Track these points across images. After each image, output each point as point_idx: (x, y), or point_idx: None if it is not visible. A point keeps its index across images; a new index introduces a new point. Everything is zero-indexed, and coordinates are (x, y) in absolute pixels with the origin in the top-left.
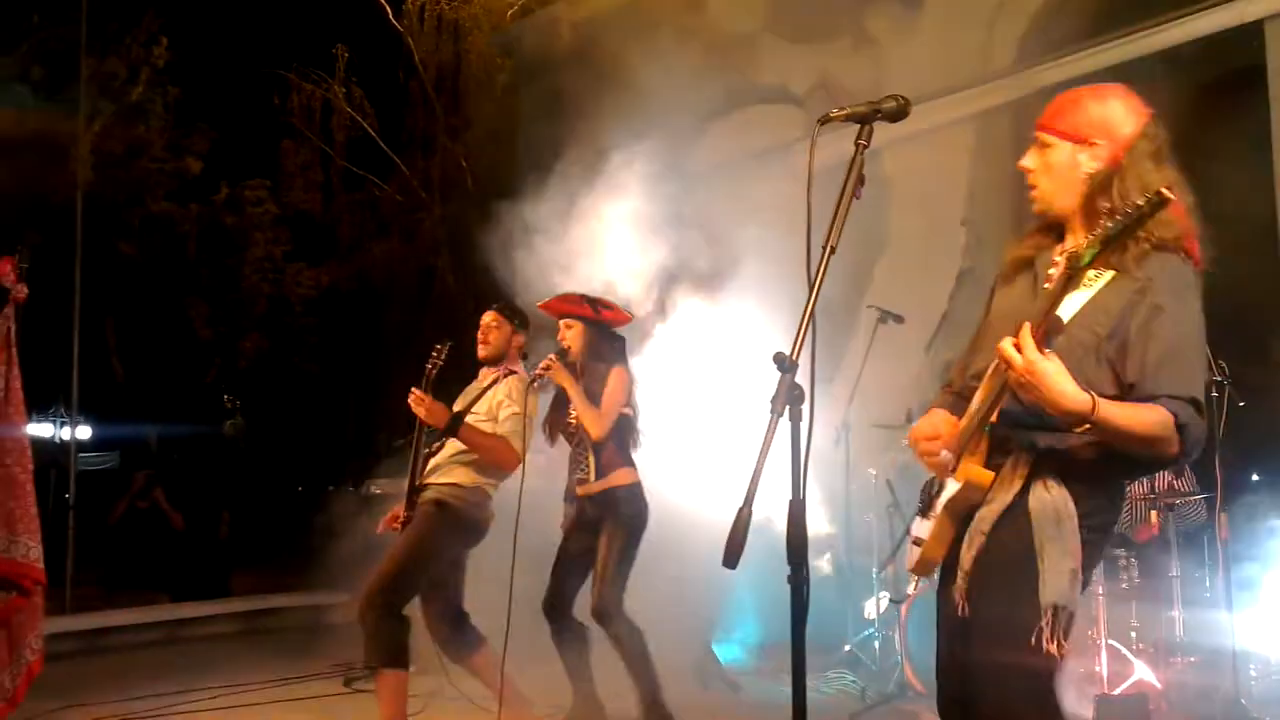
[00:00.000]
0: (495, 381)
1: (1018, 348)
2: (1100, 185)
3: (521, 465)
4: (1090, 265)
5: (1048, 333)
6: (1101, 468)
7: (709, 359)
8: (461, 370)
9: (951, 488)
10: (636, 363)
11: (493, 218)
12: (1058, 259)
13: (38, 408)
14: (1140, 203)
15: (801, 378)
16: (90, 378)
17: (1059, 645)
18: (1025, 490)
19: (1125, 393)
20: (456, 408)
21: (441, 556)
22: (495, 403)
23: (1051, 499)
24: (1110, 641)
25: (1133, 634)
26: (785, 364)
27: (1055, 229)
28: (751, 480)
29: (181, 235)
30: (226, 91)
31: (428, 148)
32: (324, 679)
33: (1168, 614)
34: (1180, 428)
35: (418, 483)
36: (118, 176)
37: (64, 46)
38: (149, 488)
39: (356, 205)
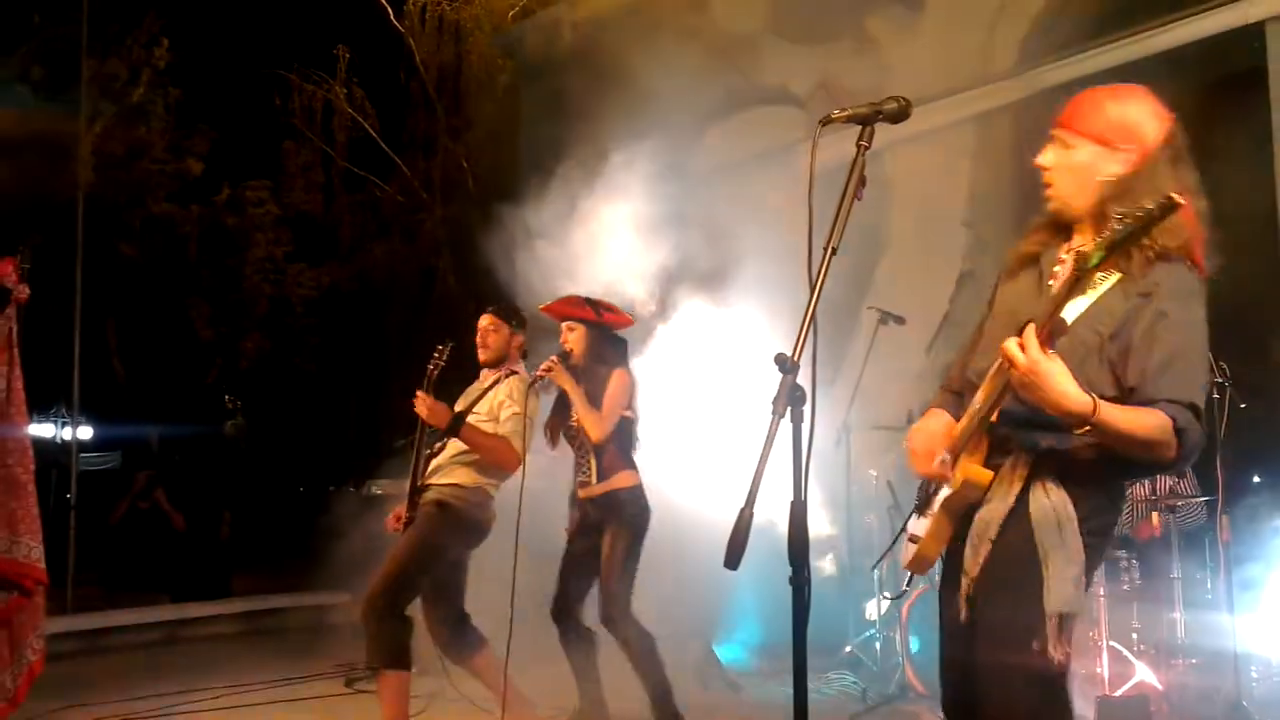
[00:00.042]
0: (496, 382)
1: (1021, 347)
2: (1121, 190)
3: (522, 466)
4: (1097, 268)
5: (1052, 333)
6: (1101, 469)
7: (710, 360)
8: (464, 370)
9: (949, 489)
10: (638, 364)
11: (494, 219)
12: (1064, 257)
13: (39, 408)
14: (1150, 206)
15: (803, 379)
16: (91, 378)
17: (1065, 650)
18: (1025, 492)
19: (1125, 395)
20: (458, 408)
21: (443, 557)
22: (496, 403)
23: (1051, 504)
24: (1112, 643)
25: (1134, 635)
26: (787, 365)
27: (1062, 226)
28: (753, 481)
29: (183, 236)
30: (227, 92)
31: (429, 148)
32: (325, 679)
33: (1169, 616)
34: (1179, 432)
35: (419, 483)
36: (119, 177)
37: (65, 47)
38: (150, 488)
39: (358, 206)
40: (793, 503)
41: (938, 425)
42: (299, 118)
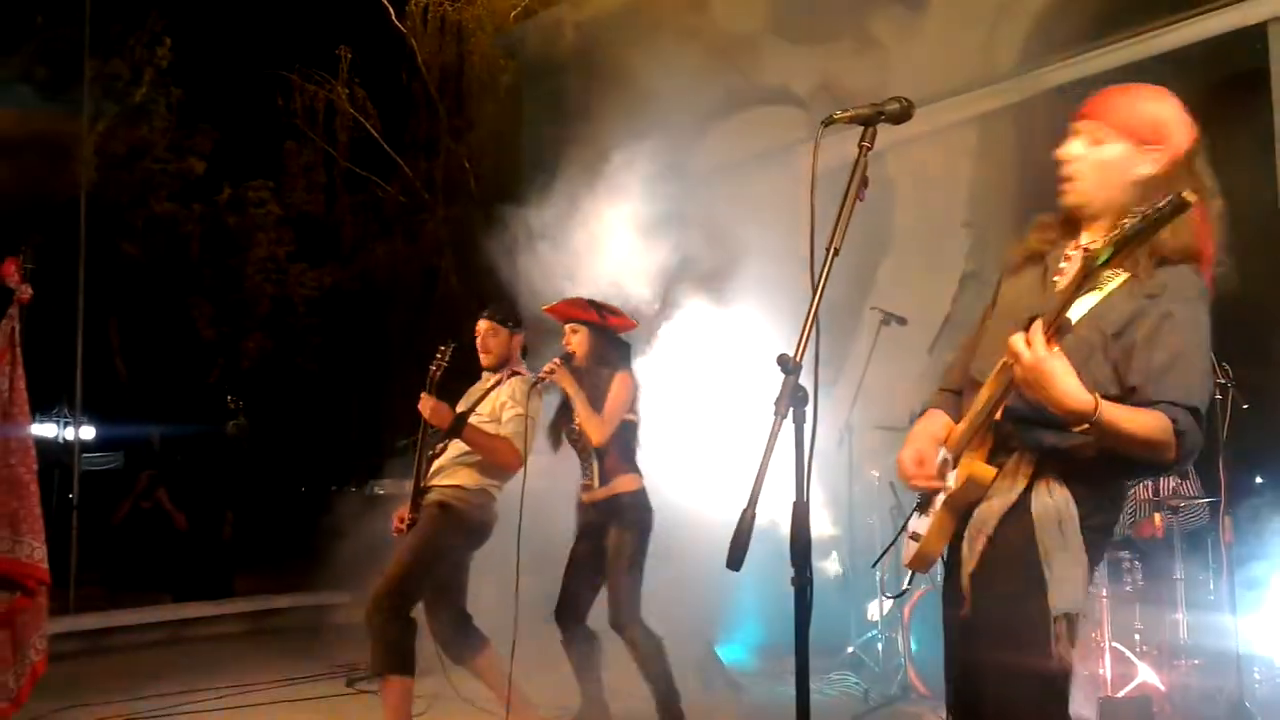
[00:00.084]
0: (498, 382)
1: (1028, 343)
2: (1151, 190)
3: (524, 466)
4: (1106, 265)
5: (1058, 330)
6: (1103, 469)
7: (712, 360)
8: (466, 370)
9: (951, 487)
10: (640, 364)
11: (496, 219)
12: (1071, 254)
13: (41, 408)
14: (1161, 205)
15: (805, 380)
16: (94, 378)
17: (1069, 650)
18: (1028, 490)
19: (1127, 395)
20: (460, 408)
21: (446, 559)
22: (498, 404)
23: (1053, 502)
24: (1114, 644)
25: (1136, 636)
26: (789, 366)
27: (1070, 224)
28: (755, 482)
29: (185, 236)
30: (230, 92)
31: (431, 149)
32: (327, 679)
33: (1172, 617)
34: (1179, 435)
35: (422, 484)
36: (121, 177)
37: (67, 47)
38: (152, 488)
39: (359, 206)
40: (795, 503)
41: (935, 427)
42: (301, 118)
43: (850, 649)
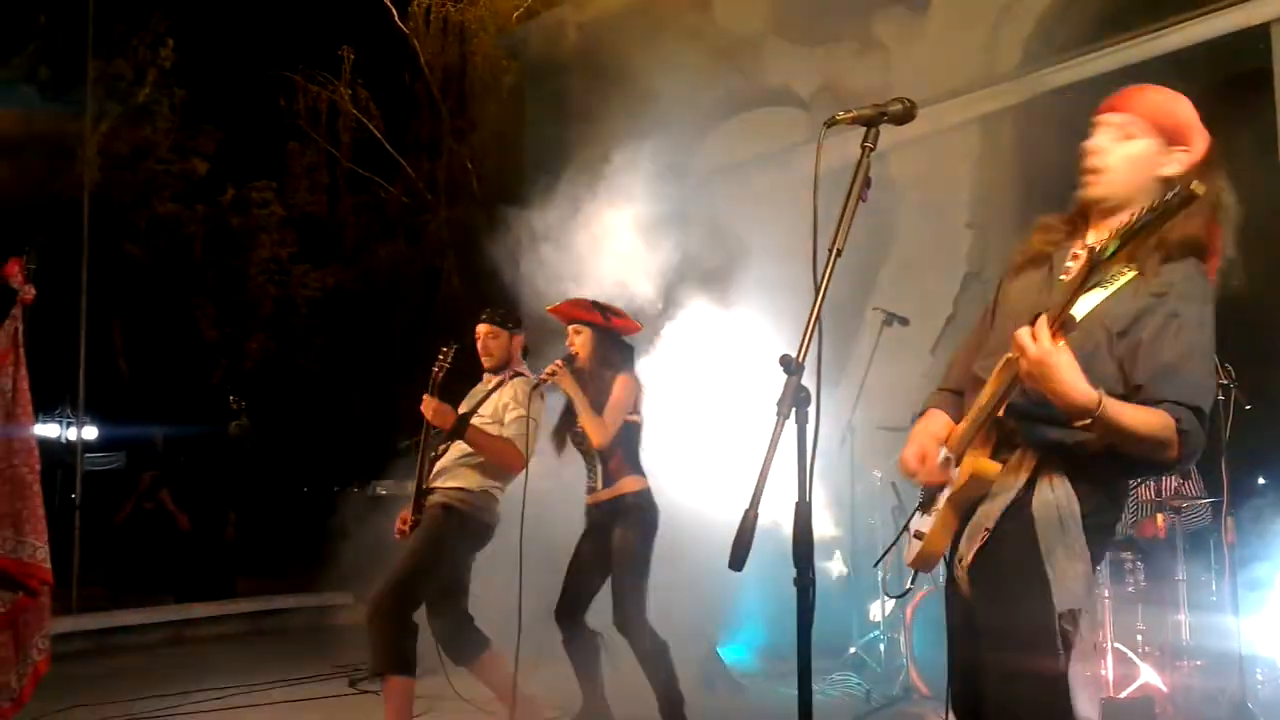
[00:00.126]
0: (500, 384)
1: (1033, 337)
2: (1170, 190)
3: (526, 468)
4: (1113, 258)
5: (1062, 327)
6: (1105, 466)
7: (715, 361)
8: (469, 371)
9: (954, 485)
10: (643, 365)
11: (498, 220)
12: (1079, 253)
13: (44, 408)
14: (1168, 197)
15: (808, 380)
16: (96, 378)
17: (1071, 648)
18: (1030, 486)
19: (1131, 394)
20: (462, 410)
21: (449, 561)
22: (500, 405)
23: (1055, 500)
24: (1116, 645)
25: (1139, 637)
26: (791, 366)
27: (1073, 222)
28: (757, 482)
29: (188, 236)
30: (233, 93)
31: (433, 150)
32: (329, 680)
33: (1174, 617)
34: (1181, 434)
35: (424, 486)
36: (124, 178)
37: (71, 48)
38: (155, 488)
39: (362, 207)
40: (797, 504)
41: (936, 426)
42: (304, 119)
43: (852, 649)
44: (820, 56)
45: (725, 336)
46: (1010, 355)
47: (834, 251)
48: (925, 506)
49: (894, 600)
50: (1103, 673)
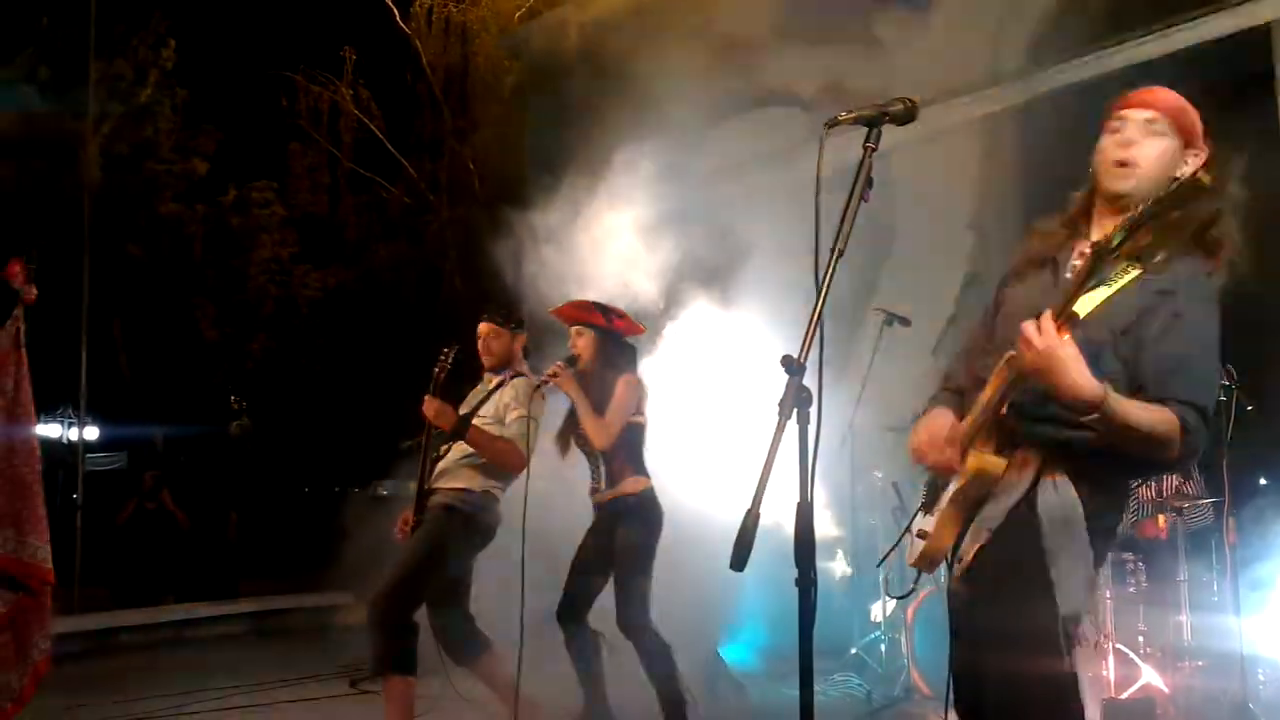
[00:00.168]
0: (501, 384)
1: (1039, 330)
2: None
3: (527, 468)
4: (1119, 249)
5: (1066, 322)
6: (1108, 466)
7: (716, 361)
8: (470, 372)
9: (958, 482)
10: (645, 365)
11: (500, 220)
12: (1085, 251)
13: (45, 408)
14: (1174, 185)
15: (809, 380)
16: (98, 378)
17: (1074, 650)
18: (1034, 486)
19: (1134, 392)
20: (462, 410)
21: (450, 561)
22: (501, 405)
23: (1060, 501)
24: (1118, 645)
25: (1140, 638)
26: (793, 367)
27: (1073, 224)
28: (759, 483)
29: (189, 237)
30: (234, 93)
31: (435, 150)
32: (330, 680)
33: (1175, 618)
34: (1185, 432)
35: (426, 487)
36: (126, 178)
37: (72, 48)
38: (157, 489)
39: (364, 207)
40: (798, 504)
41: (941, 422)
42: (305, 119)
43: (854, 650)
44: (822, 56)
45: (726, 337)
46: (1012, 353)
47: (835, 252)
48: (928, 506)
49: (895, 601)
50: (1104, 673)
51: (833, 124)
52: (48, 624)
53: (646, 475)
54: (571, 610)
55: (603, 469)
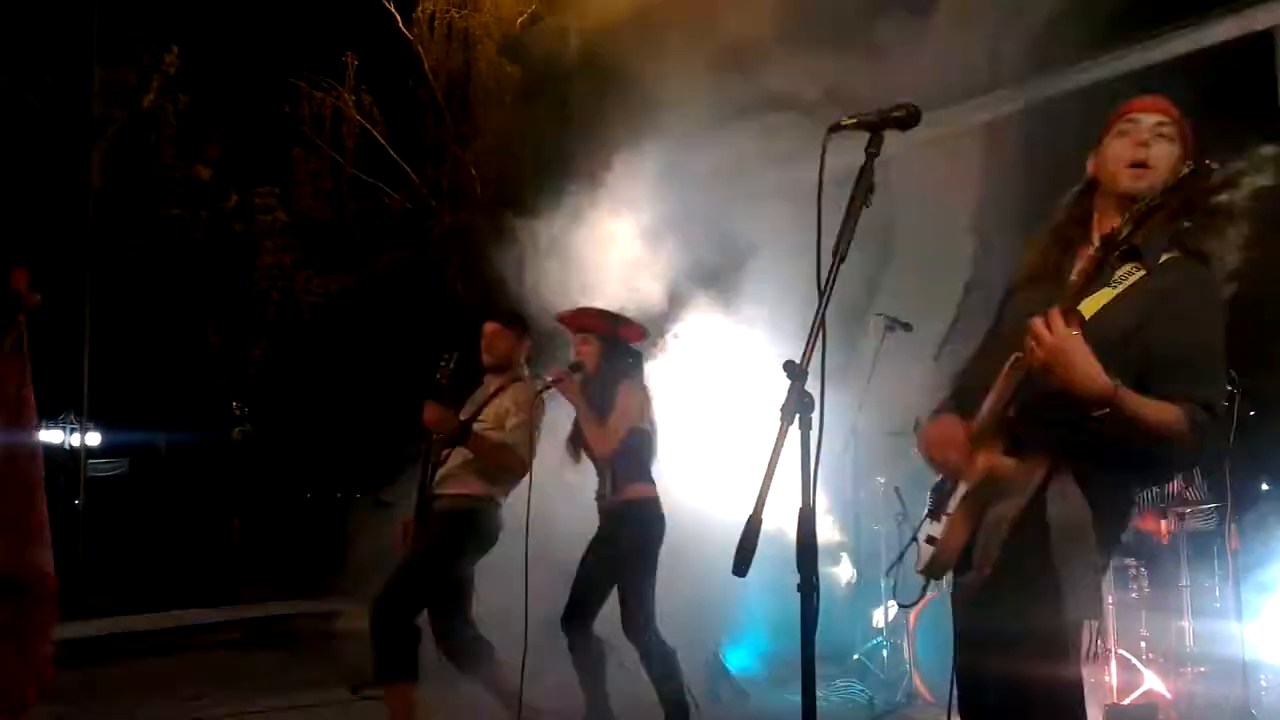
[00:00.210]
0: (501, 388)
1: (1048, 326)
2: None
3: (529, 473)
4: (1128, 239)
5: (1073, 319)
6: (1116, 468)
7: (719, 367)
8: (472, 378)
9: (967, 484)
10: (647, 370)
11: (502, 226)
12: (1090, 253)
13: (48, 414)
14: (1183, 172)
15: (811, 385)
16: (100, 384)
17: (1080, 656)
18: (1042, 489)
19: (1142, 392)
20: (462, 415)
21: (451, 567)
22: (502, 410)
23: (1069, 507)
24: (1120, 651)
25: (1142, 644)
26: (795, 372)
27: (1067, 240)
28: (761, 488)
29: (192, 242)
30: (237, 99)
31: (437, 156)
32: (332, 686)
33: (1178, 624)
34: (1193, 428)
35: (427, 492)
36: (129, 183)
37: (76, 54)
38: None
39: (366, 213)
40: (800, 509)
41: (949, 424)
42: (308, 125)
43: (856, 655)
44: (824, 61)
45: (729, 342)
46: (1019, 354)
47: (837, 257)
48: (935, 514)
49: (897, 606)
50: (1107, 679)
51: (835, 129)
52: (51, 630)
53: (651, 482)
54: (576, 616)
55: (608, 475)
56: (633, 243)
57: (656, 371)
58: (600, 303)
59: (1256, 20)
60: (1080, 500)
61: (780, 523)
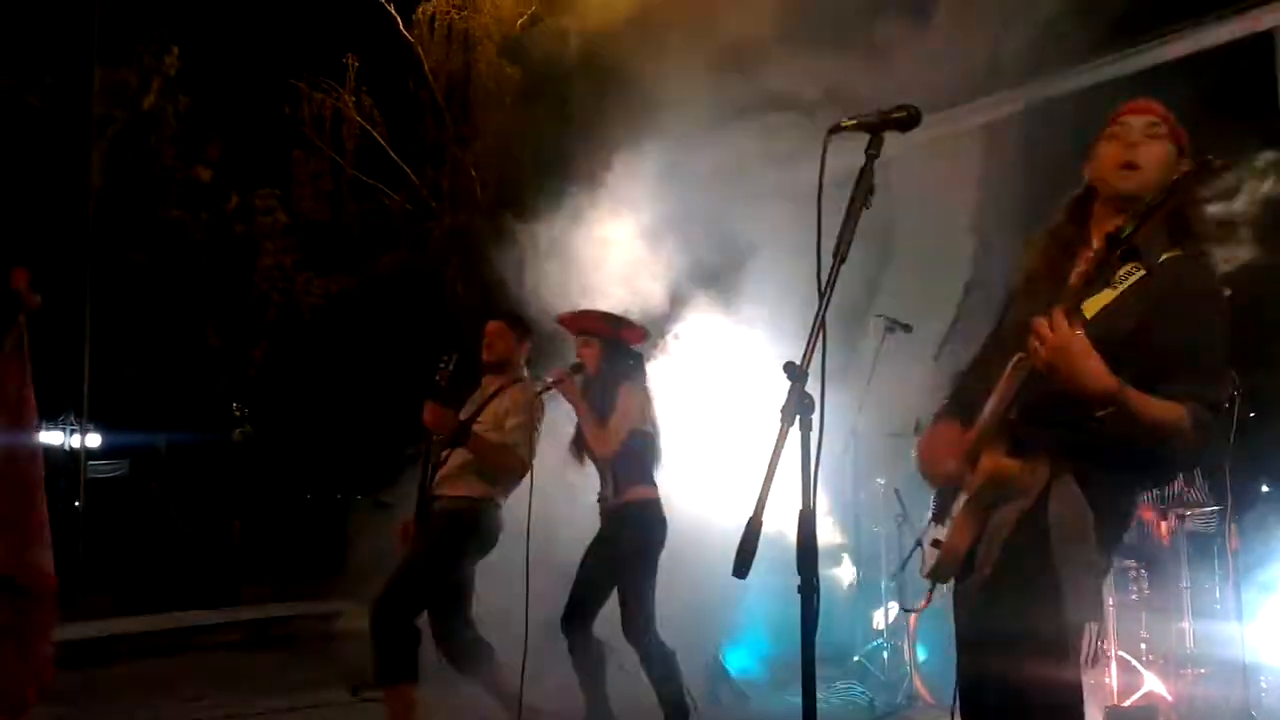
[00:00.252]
0: (500, 389)
1: (1051, 326)
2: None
3: (529, 474)
4: (1131, 237)
5: (1076, 318)
6: (1118, 468)
7: (719, 368)
8: (472, 379)
9: (971, 488)
10: (647, 371)
11: (502, 227)
12: (1090, 255)
13: (48, 416)
14: (1186, 171)
15: (811, 387)
16: (101, 386)
17: (1081, 658)
18: (1045, 493)
19: (1144, 392)
20: (462, 416)
21: (451, 568)
22: (501, 411)
23: (1071, 510)
24: (1120, 653)
25: (1143, 645)
26: (795, 373)
27: (1067, 243)
28: (762, 489)
29: (192, 244)
30: (237, 100)
31: (437, 157)
32: (332, 687)
33: (1178, 625)
34: (1196, 426)
35: (428, 494)
36: (129, 185)
37: (76, 55)
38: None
39: (366, 214)
40: (801, 510)
41: (947, 433)
42: (308, 126)
43: (856, 657)
44: (824, 62)
45: (729, 344)
46: (1021, 355)
47: (838, 258)
48: (939, 517)
49: (898, 608)
50: (1107, 681)
51: (835, 130)
52: (51, 631)
53: (653, 484)
54: (576, 618)
55: (610, 477)
56: (633, 243)
57: (656, 372)
58: (600, 303)
59: (1256, 21)
60: (1081, 501)
61: (780, 524)
